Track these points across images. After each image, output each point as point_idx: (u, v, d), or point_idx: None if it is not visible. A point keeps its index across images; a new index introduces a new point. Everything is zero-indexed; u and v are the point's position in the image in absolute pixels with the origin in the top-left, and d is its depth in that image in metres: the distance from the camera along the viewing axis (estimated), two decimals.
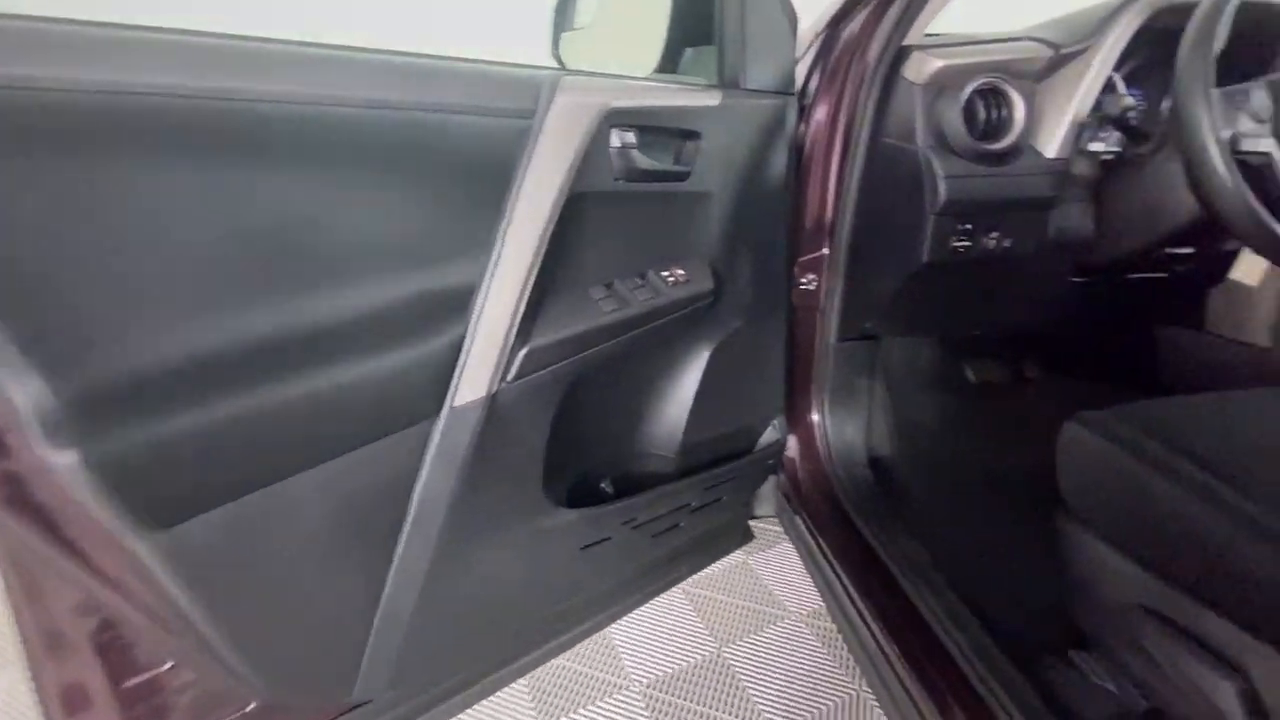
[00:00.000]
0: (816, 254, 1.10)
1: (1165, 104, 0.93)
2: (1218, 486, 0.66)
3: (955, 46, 0.92)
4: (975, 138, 0.87)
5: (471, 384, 0.66)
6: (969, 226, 0.91)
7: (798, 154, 1.03)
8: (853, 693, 1.01)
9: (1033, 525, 1.12)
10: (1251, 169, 0.72)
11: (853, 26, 0.98)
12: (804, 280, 1.12)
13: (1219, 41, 0.71)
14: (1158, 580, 0.68)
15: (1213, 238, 0.91)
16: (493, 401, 0.68)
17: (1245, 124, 0.71)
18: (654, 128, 0.76)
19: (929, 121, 0.90)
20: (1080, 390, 1.39)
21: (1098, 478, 0.76)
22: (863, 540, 1.07)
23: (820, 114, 1.03)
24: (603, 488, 0.94)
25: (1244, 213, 0.70)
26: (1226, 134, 0.71)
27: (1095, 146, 0.90)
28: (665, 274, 0.83)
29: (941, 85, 0.90)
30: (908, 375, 1.44)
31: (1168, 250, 0.92)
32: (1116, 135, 0.89)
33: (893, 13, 0.92)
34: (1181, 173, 0.80)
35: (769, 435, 1.09)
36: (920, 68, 0.91)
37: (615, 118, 0.71)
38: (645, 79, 0.88)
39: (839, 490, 1.16)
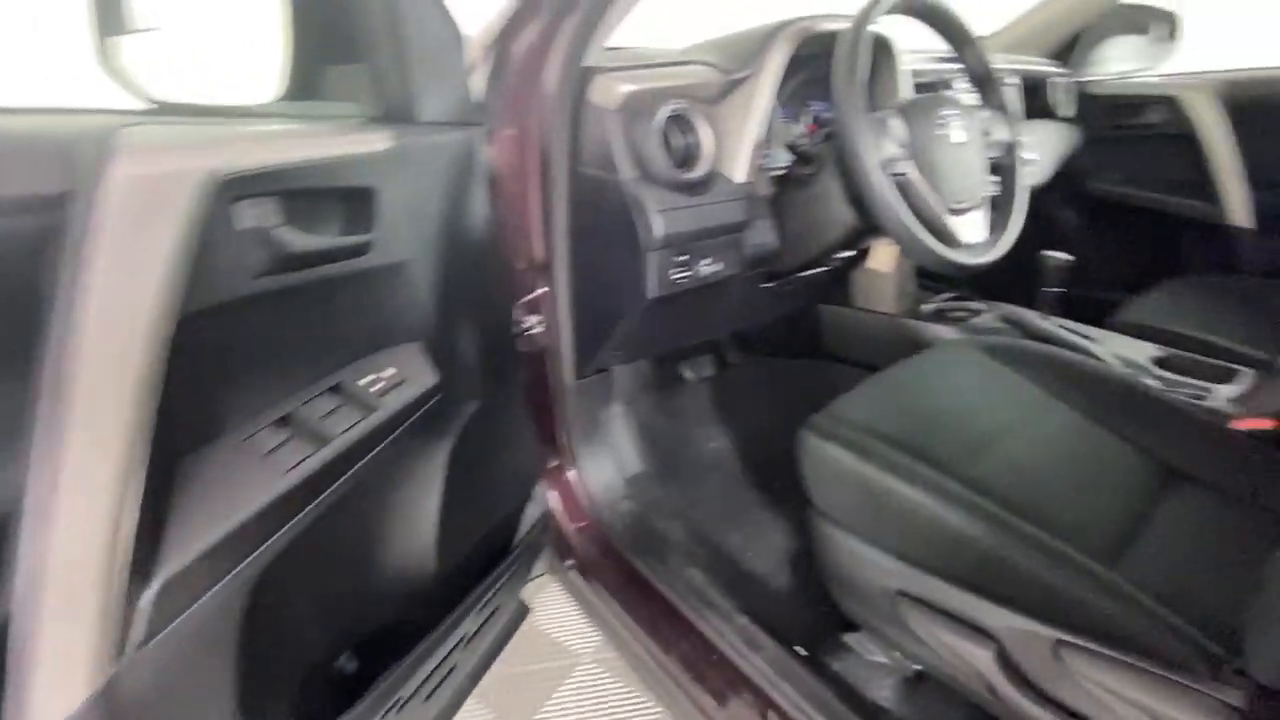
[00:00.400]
0: (536, 294, 0.99)
1: (803, 122, 1.04)
2: (920, 468, 0.75)
3: (636, 70, 0.87)
4: (675, 167, 0.85)
5: (50, 686, 0.37)
6: (685, 257, 0.89)
7: (492, 189, 0.89)
8: (656, 717, 1.01)
9: (784, 512, 1.25)
10: (901, 186, 0.83)
11: (525, 43, 0.87)
12: (528, 324, 1.00)
13: (863, 72, 0.79)
14: (907, 566, 0.75)
15: (866, 240, 1.07)
16: (111, 691, 0.40)
17: (890, 148, 0.81)
18: (306, 190, 0.53)
19: (628, 151, 0.84)
20: (771, 365, 1.58)
21: (836, 480, 0.82)
22: (638, 577, 1.03)
23: (507, 144, 0.91)
24: (342, 668, 0.69)
25: (902, 226, 0.80)
26: (882, 158, 0.80)
27: (769, 165, 0.96)
28: (369, 380, 0.61)
29: (633, 112, 0.84)
30: (639, 394, 1.45)
31: (834, 256, 1.05)
32: (785, 154, 0.96)
33: (568, 29, 0.83)
34: (842, 190, 0.90)
35: (533, 509, 0.96)
36: (608, 92, 0.84)
37: (238, 187, 0.47)
38: (275, 114, 0.63)
39: (607, 532, 1.09)
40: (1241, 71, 1.45)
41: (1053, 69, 1.56)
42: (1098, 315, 1.29)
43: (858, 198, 0.84)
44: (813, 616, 1.00)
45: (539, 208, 0.93)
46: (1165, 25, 1.52)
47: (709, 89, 0.89)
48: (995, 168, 0.95)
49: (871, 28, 0.83)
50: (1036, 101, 1.54)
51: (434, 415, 0.69)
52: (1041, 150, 1.46)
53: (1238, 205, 1.47)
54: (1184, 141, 1.50)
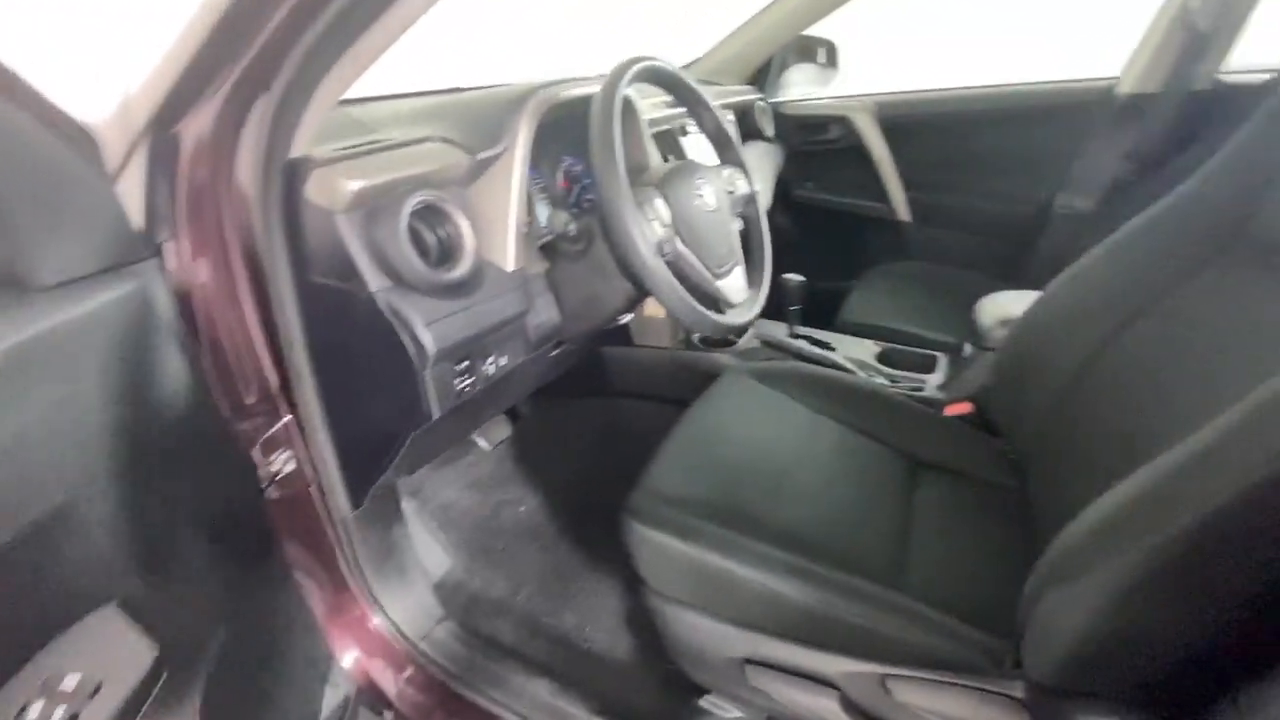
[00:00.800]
0: (277, 425, 0.79)
1: (558, 178, 0.99)
2: (742, 540, 0.78)
3: (362, 158, 0.72)
4: (433, 268, 0.73)
5: None
6: (467, 363, 0.78)
7: (186, 323, 0.68)
8: None
9: (611, 568, 1.22)
10: (672, 264, 0.83)
11: (196, 128, 0.66)
12: (275, 462, 0.80)
13: (621, 157, 0.76)
14: (746, 633, 0.78)
15: (642, 300, 1.06)
16: None
17: (659, 230, 0.80)
18: None
19: (372, 258, 0.70)
20: (563, 409, 1.54)
21: (667, 563, 0.81)
22: (479, 711, 0.93)
23: (197, 265, 0.70)
24: None
25: (684, 306, 0.80)
26: (654, 243, 0.78)
27: (535, 236, 0.89)
28: (39, 711, 0.40)
29: (369, 211, 0.70)
30: (430, 475, 1.29)
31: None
32: (549, 226, 0.90)
33: (260, 111, 0.64)
34: (615, 263, 0.87)
35: (333, 696, 0.78)
36: (332, 191, 0.68)
37: None
38: None
39: (430, 670, 0.96)
40: (887, 94, 1.78)
41: (752, 95, 1.73)
42: (828, 312, 1.50)
43: (633, 275, 0.82)
44: (665, 683, 0.99)
45: (261, 325, 0.74)
46: (827, 52, 1.79)
47: (455, 171, 0.78)
48: (741, 220, 1.01)
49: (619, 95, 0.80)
50: (744, 125, 1.70)
51: (166, 689, 0.50)
52: (760, 174, 1.63)
53: (899, 203, 1.81)
54: (857, 153, 1.79)
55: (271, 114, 0.64)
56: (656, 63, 0.86)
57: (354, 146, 0.74)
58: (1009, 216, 1.69)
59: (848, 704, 0.74)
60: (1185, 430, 0.63)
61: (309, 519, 0.85)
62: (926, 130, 1.74)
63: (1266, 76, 1.31)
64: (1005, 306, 1.12)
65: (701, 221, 0.86)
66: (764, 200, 1.54)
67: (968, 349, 1.20)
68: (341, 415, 0.81)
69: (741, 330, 1.45)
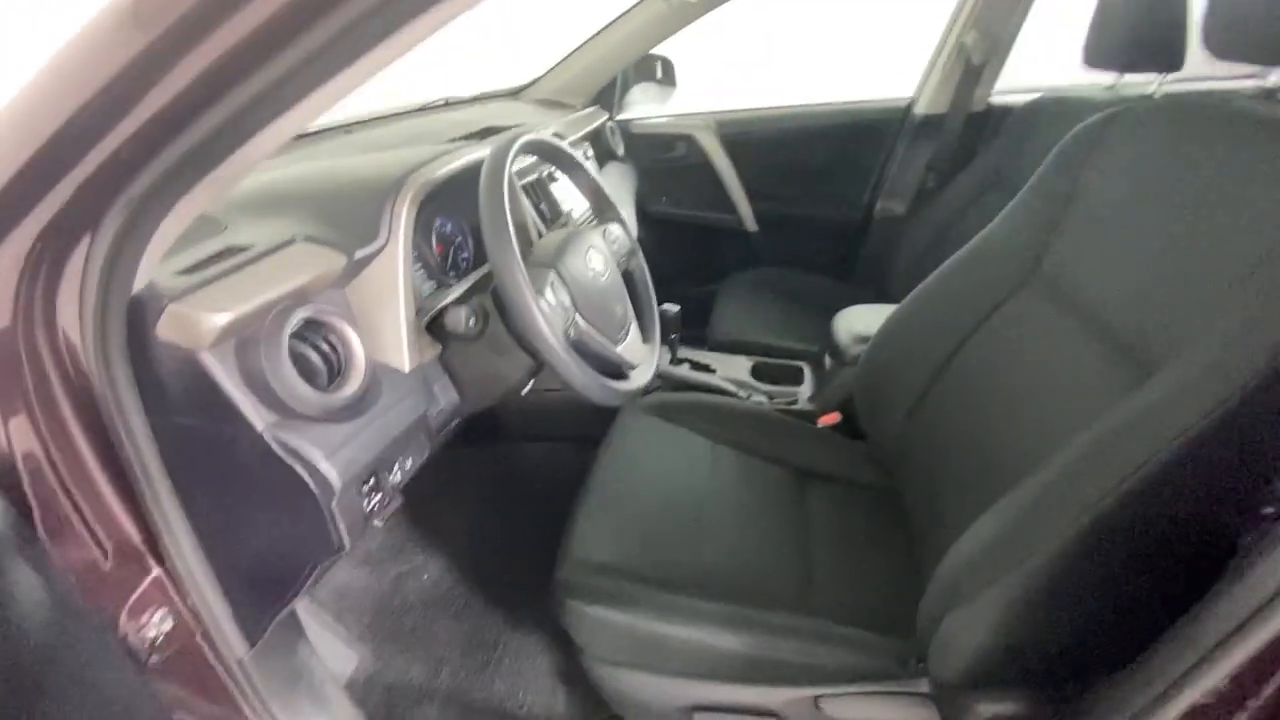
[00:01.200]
0: (145, 583, 0.69)
1: (433, 242, 0.93)
2: (675, 599, 0.82)
3: (219, 281, 0.63)
4: (323, 391, 0.66)
5: None
6: (373, 479, 0.73)
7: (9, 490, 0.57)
8: None
9: (531, 623, 1.20)
10: (577, 344, 0.83)
11: None
12: (149, 626, 0.70)
13: (516, 249, 0.73)
14: (691, 682, 0.83)
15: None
16: None
17: (564, 316, 0.79)
18: None
19: (254, 392, 0.62)
20: (455, 458, 1.47)
21: (606, 633, 0.83)
22: None
23: (8, 423, 0.58)
24: None
25: (590, 383, 0.81)
26: (560, 331, 0.78)
27: (423, 319, 0.85)
28: None
29: (241, 343, 0.62)
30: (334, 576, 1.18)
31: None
32: (431, 301, 0.85)
33: (85, 254, 0.54)
34: (515, 338, 0.85)
35: None
36: (192, 328, 0.59)
37: None
38: None
39: None
40: (725, 112, 1.88)
41: (601, 118, 1.74)
42: (694, 321, 1.57)
43: (542, 361, 0.81)
44: None
45: (110, 481, 0.63)
46: (663, 68, 1.84)
47: (330, 276, 0.71)
48: (626, 275, 1.03)
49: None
50: (597, 147, 1.71)
51: None
52: (621, 197, 1.65)
53: (746, 214, 1.94)
54: (705, 168, 1.88)
55: (102, 256, 0.54)
56: (535, 136, 0.84)
57: (207, 262, 0.64)
58: (839, 221, 1.88)
59: None
60: (1022, 444, 0.77)
61: (199, 672, 0.75)
62: (763, 145, 1.87)
63: (1027, 98, 1.57)
64: (859, 323, 1.26)
65: (596, 292, 0.86)
66: (632, 225, 1.56)
67: (828, 362, 1.34)
68: (231, 558, 0.71)
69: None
